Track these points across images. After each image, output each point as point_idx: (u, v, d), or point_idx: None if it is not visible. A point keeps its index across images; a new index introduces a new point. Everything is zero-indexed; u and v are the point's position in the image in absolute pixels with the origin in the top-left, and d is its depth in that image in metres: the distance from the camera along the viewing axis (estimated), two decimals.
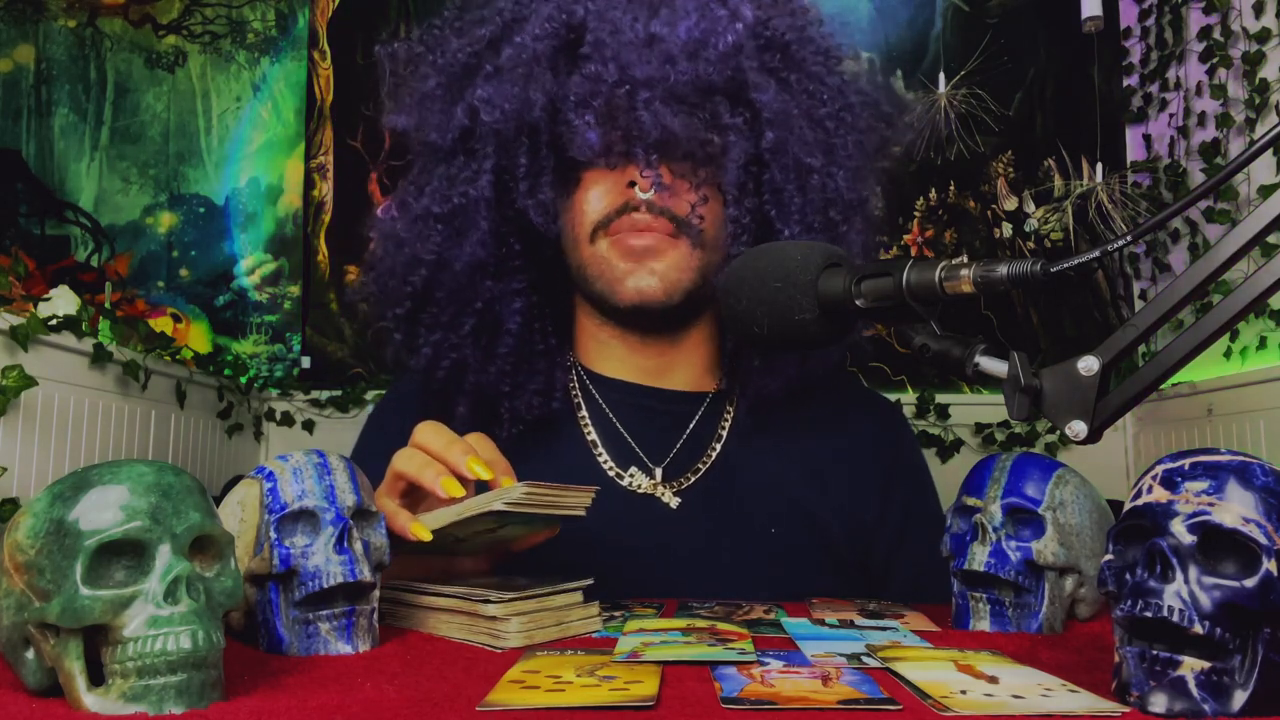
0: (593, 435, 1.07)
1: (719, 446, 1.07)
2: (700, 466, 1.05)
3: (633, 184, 0.98)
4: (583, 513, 0.74)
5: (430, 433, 0.79)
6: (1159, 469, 0.53)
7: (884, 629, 0.73)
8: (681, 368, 1.09)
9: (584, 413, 1.08)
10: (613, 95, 0.94)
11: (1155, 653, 0.49)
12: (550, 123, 0.98)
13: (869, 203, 1.08)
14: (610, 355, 1.09)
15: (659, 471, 1.04)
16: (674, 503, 1.03)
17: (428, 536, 0.72)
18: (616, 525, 1.00)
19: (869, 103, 1.08)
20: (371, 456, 0.86)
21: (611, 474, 1.04)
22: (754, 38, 0.99)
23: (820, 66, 1.04)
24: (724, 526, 1.03)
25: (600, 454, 1.06)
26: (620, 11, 0.96)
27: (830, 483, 1.06)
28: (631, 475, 1.04)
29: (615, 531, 0.99)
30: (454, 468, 0.75)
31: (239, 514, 0.68)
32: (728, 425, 1.08)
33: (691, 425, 1.07)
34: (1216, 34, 2.35)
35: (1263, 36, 2.24)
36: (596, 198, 1.01)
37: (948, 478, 1.14)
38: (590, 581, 0.73)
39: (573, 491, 0.72)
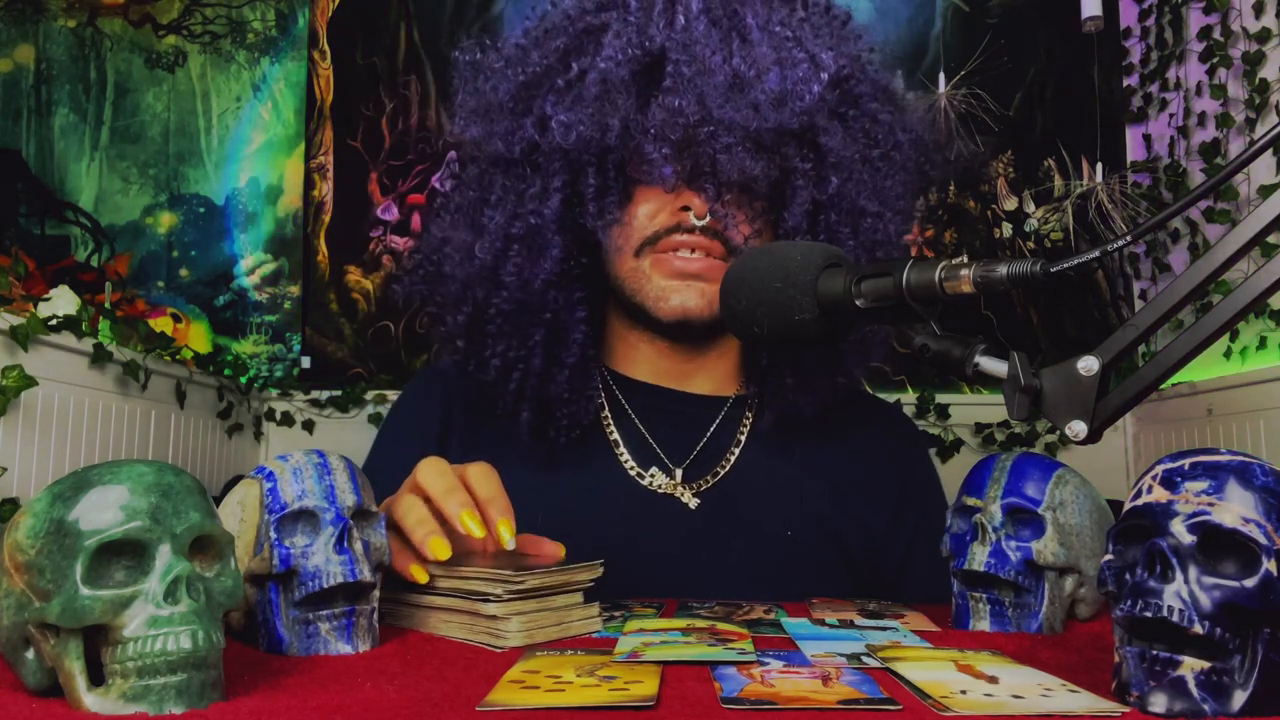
0: (615, 435, 1.08)
1: (738, 451, 1.08)
2: (719, 470, 1.07)
3: (687, 208, 0.99)
4: (589, 585, 0.73)
5: (431, 475, 0.78)
6: (1159, 469, 0.53)
7: (884, 629, 0.73)
8: (705, 372, 1.11)
9: (607, 413, 1.10)
10: (692, 131, 0.94)
11: (1155, 653, 0.49)
12: (621, 145, 0.98)
13: (905, 238, 1.11)
14: (637, 358, 1.11)
15: (679, 472, 1.06)
16: (693, 503, 1.04)
17: (424, 580, 0.72)
18: (636, 523, 1.03)
19: (914, 139, 1.09)
20: (394, 449, 0.87)
21: (633, 473, 1.06)
22: (830, 86, 1.00)
23: (875, 103, 1.05)
24: (741, 528, 1.04)
25: (622, 453, 1.07)
26: (702, 45, 0.96)
27: (846, 491, 1.08)
28: (652, 475, 1.05)
29: (635, 529, 1.02)
30: (449, 519, 0.74)
31: (239, 514, 0.68)
32: (747, 430, 1.10)
33: (712, 428, 1.09)
34: (1216, 34, 2.35)
35: (1263, 36, 2.24)
36: (648, 214, 1.02)
37: (948, 478, 1.14)
38: (601, 565, 0.73)
39: (577, 572, 0.72)
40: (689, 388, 1.11)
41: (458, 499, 0.75)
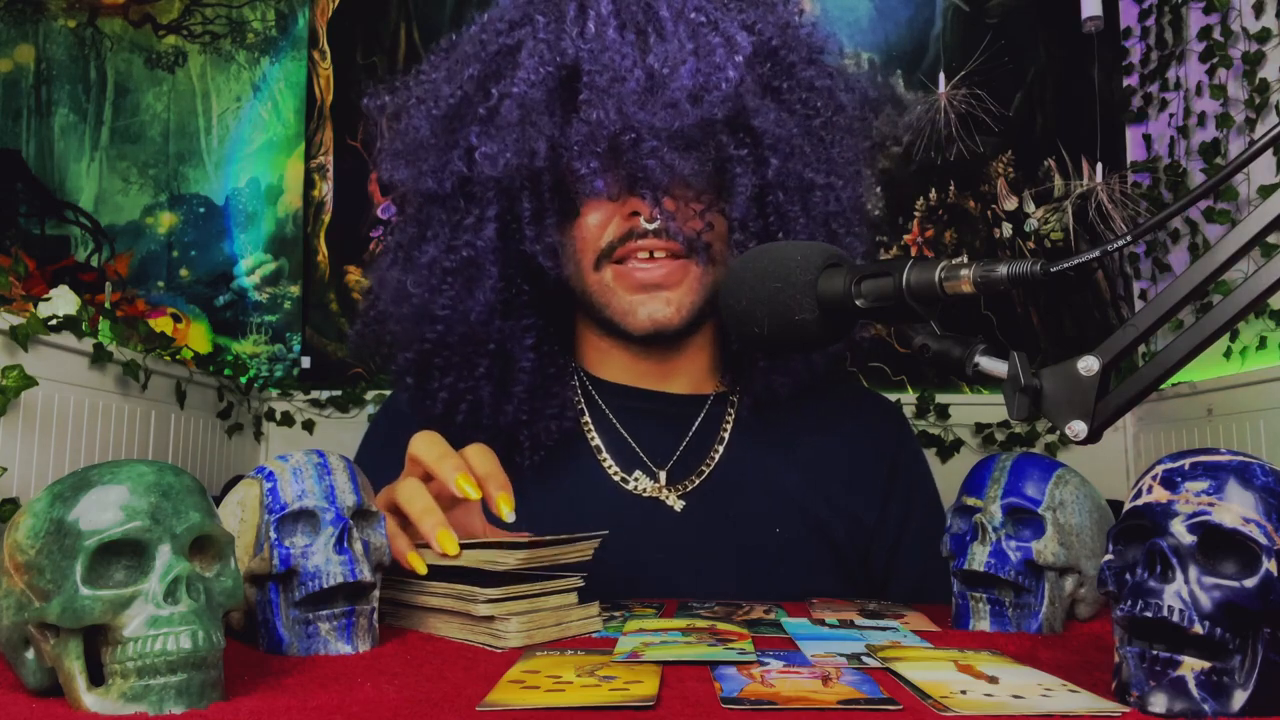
0: (597, 440, 1.07)
1: (721, 449, 1.07)
2: (704, 469, 1.06)
3: (636, 213, 0.98)
4: (588, 557, 0.73)
5: (424, 444, 0.78)
6: (1159, 469, 0.53)
7: (884, 629, 0.73)
8: (683, 372, 1.10)
9: (587, 418, 1.08)
10: (616, 141, 0.93)
11: (1155, 653, 0.49)
12: (552, 165, 0.96)
13: (864, 201, 1.08)
14: (612, 362, 1.10)
15: (663, 475, 1.05)
16: (678, 505, 1.03)
17: (423, 570, 0.72)
18: (622, 529, 1.00)
19: (858, 96, 1.07)
20: (375, 469, 0.87)
21: (616, 478, 1.04)
22: (748, 64, 0.97)
23: (810, 70, 1.03)
24: (727, 528, 1.03)
25: (605, 459, 1.06)
26: (614, 51, 0.93)
27: (832, 484, 1.07)
28: (636, 479, 1.04)
29: (620, 536, 0.99)
30: (444, 483, 0.74)
31: (239, 514, 0.68)
32: (729, 427, 1.08)
33: (694, 428, 1.08)
34: (1216, 34, 2.35)
35: (1263, 36, 2.24)
36: (598, 225, 1.00)
37: (948, 478, 1.14)
38: (581, 582, 0.73)
39: (574, 546, 0.72)
40: (667, 388, 1.09)
41: (452, 463, 0.75)
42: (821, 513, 1.05)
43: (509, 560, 0.67)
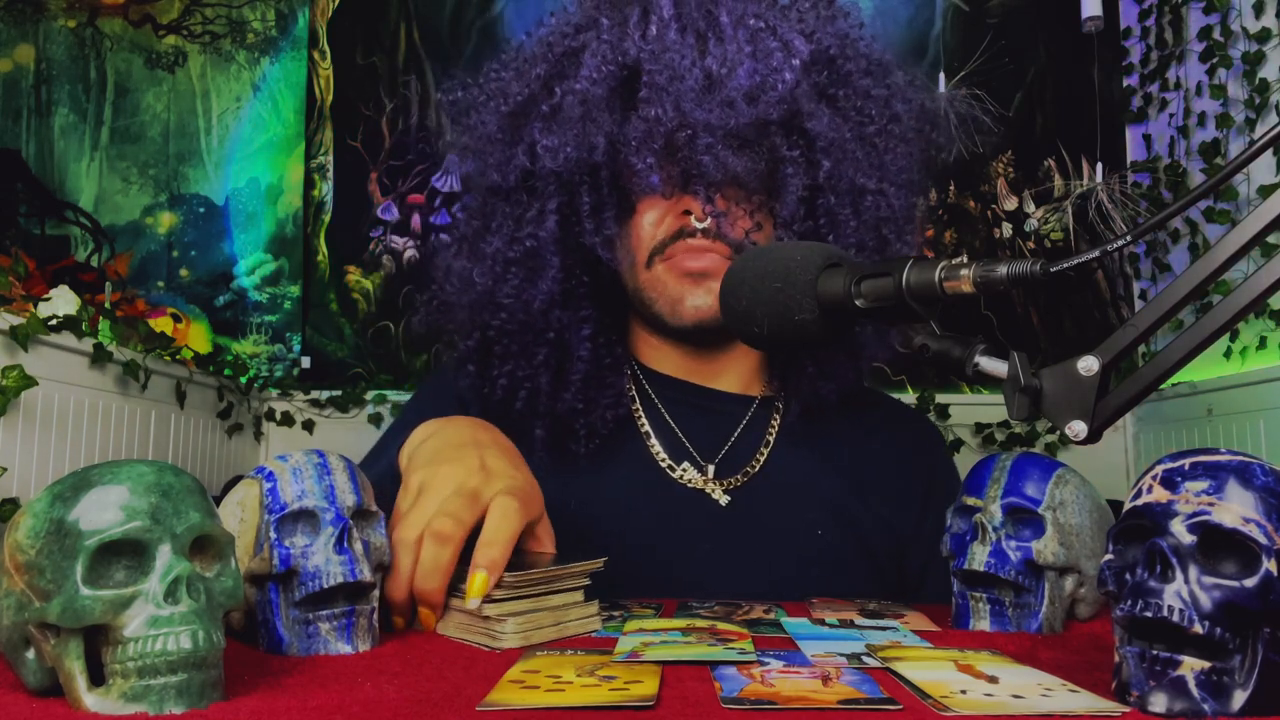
0: (646, 427, 1.09)
1: (767, 451, 1.09)
2: (750, 469, 1.07)
3: (688, 212, 1.01)
4: (586, 582, 0.73)
5: (441, 499, 0.74)
6: (1159, 469, 0.53)
7: (884, 629, 0.73)
8: (731, 371, 1.12)
9: (638, 406, 1.10)
10: (672, 137, 0.95)
11: (1155, 653, 0.49)
12: (610, 160, 0.99)
13: (917, 210, 1.11)
14: (664, 356, 1.12)
15: (711, 469, 1.06)
16: (724, 500, 1.05)
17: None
18: (667, 518, 1.03)
19: (914, 109, 1.09)
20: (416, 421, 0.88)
21: (664, 465, 1.07)
22: (804, 69, 1.00)
23: (867, 80, 1.05)
24: (771, 527, 1.04)
25: (654, 445, 1.08)
26: (674, 52, 0.97)
27: (872, 494, 1.09)
28: (684, 469, 1.06)
29: (666, 524, 1.03)
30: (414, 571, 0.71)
31: (239, 514, 0.68)
32: (775, 430, 1.10)
33: (741, 426, 1.10)
34: (1216, 34, 2.35)
35: (1263, 36, 2.24)
36: (652, 224, 1.03)
37: None
38: (602, 562, 0.72)
39: (574, 568, 0.71)
40: (715, 385, 1.12)
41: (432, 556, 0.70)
42: (862, 520, 1.07)
43: (506, 641, 0.66)
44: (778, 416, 1.11)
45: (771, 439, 1.10)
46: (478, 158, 1.06)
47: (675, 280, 1.03)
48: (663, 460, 1.07)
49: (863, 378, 1.11)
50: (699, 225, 1.00)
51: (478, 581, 0.67)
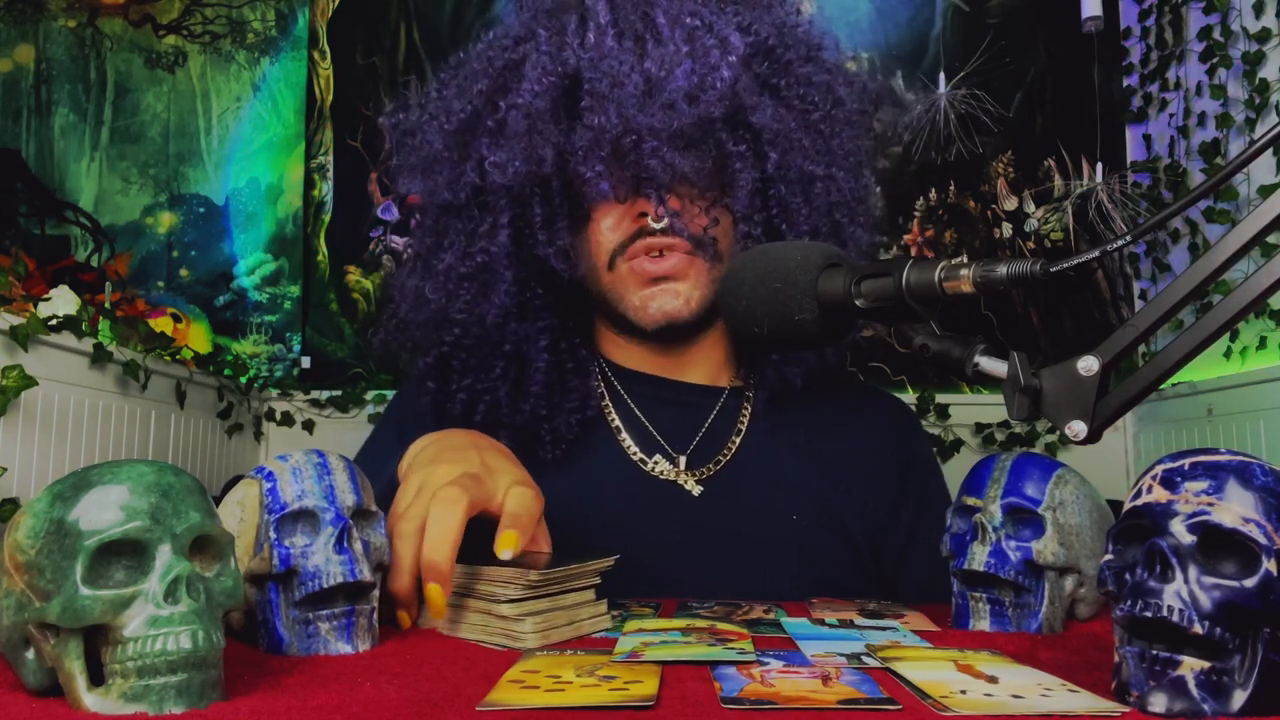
0: (617, 422, 1.10)
1: (738, 440, 1.09)
2: (721, 458, 1.08)
3: (644, 214, 1.01)
4: (597, 581, 0.74)
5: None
6: (1159, 469, 0.53)
7: (884, 629, 0.73)
8: (699, 364, 1.12)
9: (608, 402, 1.11)
10: (618, 144, 0.96)
11: (1155, 653, 0.49)
12: (560, 171, 1.00)
13: (868, 193, 1.11)
14: (631, 353, 1.13)
15: (682, 460, 1.07)
16: (696, 490, 1.05)
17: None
18: (641, 510, 1.04)
19: (856, 89, 1.10)
20: (383, 457, 0.88)
21: (636, 459, 1.07)
22: (744, 63, 1.01)
23: (808, 66, 1.06)
24: (745, 516, 1.05)
25: (625, 439, 1.08)
26: (613, 58, 0.97)
27: (846, 480, 1.09)
28: (656, 461, 1.07)
29: (639, 516, 1.03)
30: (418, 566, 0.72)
31: (239, 514, 0.68)
32: (746, 419, 1.11)
33: (711, 417, 1.10)
34: (1216, 34, 2.35)
35: (1263, 36, 2.24)
36: (609, 228, 1.04)
37: (948, 478, 1.14)
38: (614, 558, 0.73)
39: (586, 567, 0.72)
40: (684, 378, 1.12)
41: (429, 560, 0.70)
42: (836, 506, 1.07)
43: (526, 641, 0.66)
44: (748, 406, 1.12)
45: (743, 428, 1.10)
46: (426, 177, 1.07)
47: (639, 284, 1.03)
48: (634, 454, 1.07)
49: (826, 361, 1.11)
50: (656, 225, 1.00)
51: (510, 537, 0.70)
